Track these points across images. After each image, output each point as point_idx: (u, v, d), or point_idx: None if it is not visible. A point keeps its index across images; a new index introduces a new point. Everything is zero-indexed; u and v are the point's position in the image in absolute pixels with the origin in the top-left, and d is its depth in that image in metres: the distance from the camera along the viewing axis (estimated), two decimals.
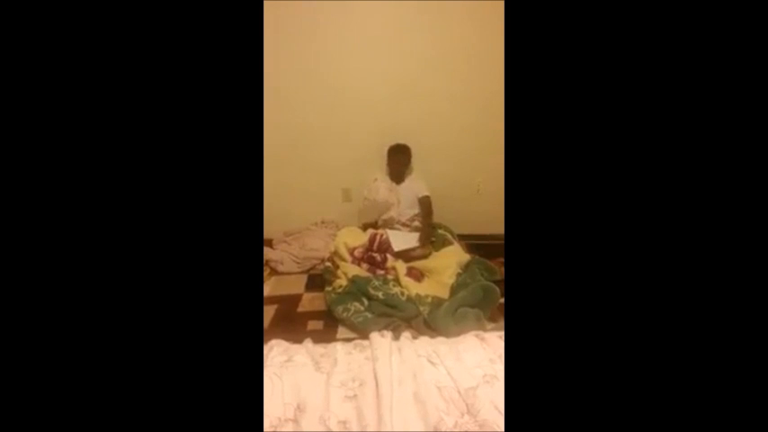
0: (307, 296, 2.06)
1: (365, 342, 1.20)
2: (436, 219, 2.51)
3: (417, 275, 2.07)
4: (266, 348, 1.17)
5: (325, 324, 1.81)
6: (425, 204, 2.47)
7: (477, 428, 0.89)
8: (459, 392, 0.97)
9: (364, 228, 2.46)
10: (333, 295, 1.91)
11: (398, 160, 2.49)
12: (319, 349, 1.18)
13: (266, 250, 2.39)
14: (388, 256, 2.17)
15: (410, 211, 2.49)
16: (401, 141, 2.52)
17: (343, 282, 1.97)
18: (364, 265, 2.12)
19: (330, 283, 2.00)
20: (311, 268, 2.32)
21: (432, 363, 1.07)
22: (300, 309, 1.95)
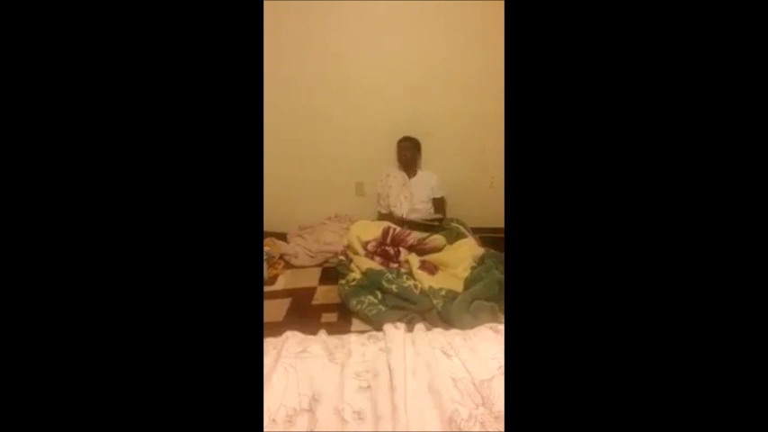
0: (321, 289, 2.06)
1: (379, 334, 1.21)
2: (450, 213, 2.50)
3: (431, 269, 2.06)
4: (281, 339, 1.18)
5: (339, 316, 1.81)
6: (440, 206, 2.51)
7: (491, 420, 0.88)
8: (473, 384, 0.96)
9: (380, 219, 2.46)
10: (347, 288, 1.91)
11: (405, 147, 2.52)
12: (334, 340, 1.19)
13: (281, 244, 2.40)
14: (402, 249, 2.16)
15: (423, 206, 2.48)
16: (413, 135, 2.54)
17: (356, 275, 1.97)
18: (378, 259, 2.12)
19: (344, 277, 2.01)
20: (325, 262, 2.32)
21: (446, 354, 1.07)
22: (315, 302, 1.96)
